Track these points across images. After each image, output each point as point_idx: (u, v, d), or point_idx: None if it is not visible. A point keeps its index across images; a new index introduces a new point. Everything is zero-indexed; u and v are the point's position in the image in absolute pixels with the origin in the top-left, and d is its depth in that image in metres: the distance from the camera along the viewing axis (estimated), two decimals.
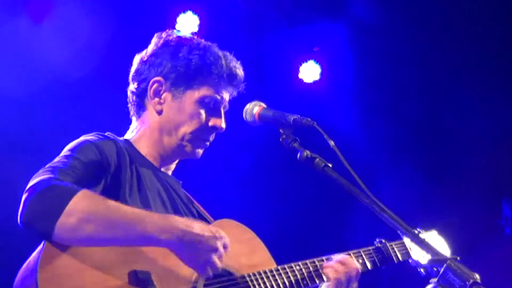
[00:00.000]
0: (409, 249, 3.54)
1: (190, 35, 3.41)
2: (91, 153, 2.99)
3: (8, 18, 5.89)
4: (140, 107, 3.32)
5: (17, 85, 5.76)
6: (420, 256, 3.48)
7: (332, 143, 2.91)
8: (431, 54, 7.28)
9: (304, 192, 7.13)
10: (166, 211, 3.14)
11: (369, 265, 3.39)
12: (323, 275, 3.22)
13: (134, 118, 3.36)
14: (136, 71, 3.34)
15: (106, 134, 3.19)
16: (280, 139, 3.09)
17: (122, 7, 6.32)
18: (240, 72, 3.36)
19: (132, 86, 3.34)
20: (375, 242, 3.50)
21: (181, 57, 3.27)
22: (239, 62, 3.40)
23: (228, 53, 3.38)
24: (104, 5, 6.15)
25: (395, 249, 3.51)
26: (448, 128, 7.30)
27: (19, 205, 2.77)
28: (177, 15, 6.63)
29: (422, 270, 3.45)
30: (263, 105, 3.23)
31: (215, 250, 2.85)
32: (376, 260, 3.45)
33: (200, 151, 3.32)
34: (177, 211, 3.19)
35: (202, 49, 3.30)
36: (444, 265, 2.48)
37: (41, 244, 2.75)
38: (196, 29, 6.64)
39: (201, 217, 3.33)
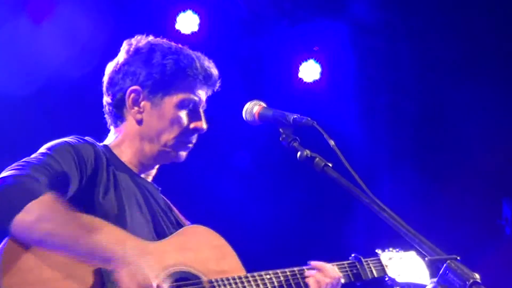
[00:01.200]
0: (385, 266, 3.52)
1: (159, 40, 3.35)
2: (67, 154, 3.00)
3: (9, 19, 5.89)
4: (118, 117, 3.30)
5: (16, 85, 5.76)
6: (396, 274, 3.48)
7: (332, 142, 2.91)
8: (431, 54, 7.28)
9: (304, 192, 7.12)
10: (142, 214, 3.15)
11: (342, 279, 3.36)
12: (302, 285, 3.20)
13: (112, 128, 3.34)
14: (110, 81, 3.31)
15: (85, 138, 3.18)
16: (280, 139, 3.09)
17: (122, 7, 6.32)
18: (214, 71, 3.34)
19: (108, 97, 3.31)
20: (350, 258, 3.48)
21: (155, 64, 3.24)
22: (211, 61, 3.36)
23: (200, 54, 3.34)
24: (104, 5, 6.14)
25: (370, 265, 3.49)
26: (448, 128, 7.30)
27: None
28: (177, 14, 6.63)
29: None
30: (263, 104, 3.23)
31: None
32: (350, 275, 3.42)
33: (183, 154, 3.31)
34: (154, 216, 3.19)
35: (175, 53, 3.27)
36: (444, 265, 2.48)
37: (3, 242, 2.76)
38: (196, 29, 6.64)
39: (179, 224, 3.32)
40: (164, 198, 3.39)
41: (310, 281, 3.22)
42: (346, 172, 2.83)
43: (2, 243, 2.76)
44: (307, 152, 2.98)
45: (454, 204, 6.94)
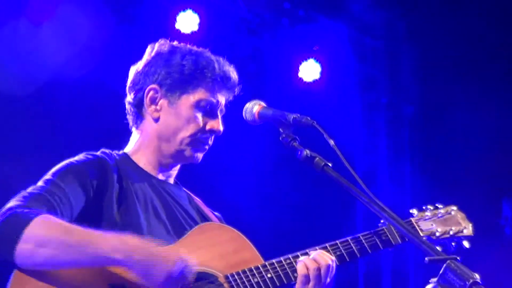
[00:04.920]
0: (416, 226, 3.40)
1: (182, 44, 3.41)
2: (71, 176, 3.04)
3: (9, 19, 5.89)
4: (138, 117, 3.35)
5: (16, 85, 5.76)
6: (431, 232, 3.41)
7: (332, 142, 2.90)
8: (431, 54, 7.28)
9: (303, 192, 7.12)
10: (159, 219, 3.17)
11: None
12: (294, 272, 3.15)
13: (133, 129, 3.39)
14: (132, 82, 3.38)
15: (98, 152, 3.23)
16: (280, 138, 3.09)
17: (122, 7, 6.33)
18: (233, 75, 3.36)
19: (129, 97, 3.37)
20: (379, 224, 3.36)
21: (175, 63, 3.29)
22: (232, 66, 3.39)
23: (221, 58, 3.38)
24: (103, 5, 6.15)
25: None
26: (448, 128, 7.30)
27: None
28: (177, 14, 6.63)
29: None
30: (263, 104, 3.23)
31: (174, 271, 2.83)
32: (378, 242, 3.31)
33: (199, 155, 3.34)
34: (173, 219, 3.21)
35: (194, 54, 3.32)
36: (444, 265, 2.47)
37: (12, 276, 2.84)
38: (196, 28, 6.64)
39: (203, 218, 3.35)
40: (190, 194, 3.43)
41: (298, 267, 3.13)
42: (346, 172, 2.83)
43: (11, 277, 2.84)
44: (307, 151, 2.97)
45: (454, 204, 6.94)
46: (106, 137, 5.83)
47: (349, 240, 3.26)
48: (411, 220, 3.44)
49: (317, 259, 3.11)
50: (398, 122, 7.66)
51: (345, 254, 3.21)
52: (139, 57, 3.43)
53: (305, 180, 6.61)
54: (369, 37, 7.51)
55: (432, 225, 3.45)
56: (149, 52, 3.38)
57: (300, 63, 7.27)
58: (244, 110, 3.25)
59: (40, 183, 3.02)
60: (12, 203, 2.89)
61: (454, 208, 3.59)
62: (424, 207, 3.53)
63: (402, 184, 7.57)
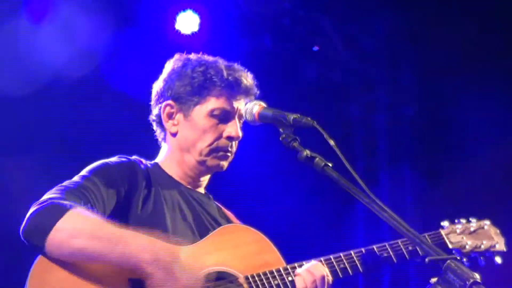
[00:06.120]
0: (445, 238, 3.44)
1: (198, 55, 3.47)
2: (105, 174, 3.14)
3: (8, 18, 5.89)
4: (162, 132, 3.46)
5: (15, 85, 5.76)
6: (461, 244, 3.41)
7: (332, 142, 2.91)
8: (432, 54, 7.28)
9: (304, 192, 7.11)
10: (185, 222, 3.24)
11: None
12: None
13: (162, 143, 3.48)
14: (153, 99, 3.48)
15: (130, 157, 3.33)
16: (280, 138, 3.10)
17: (122, 6, 6.32)
18: (246, 80, 3.40)
19: (152, 115, 3.48)
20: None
21: (186, 77, 3.36)
22: (245, 70, 3.45)
23: (235, 64, 3.44)
24: (103, 4, 6.14)
25: (428, 239, 3.37)
26: (449, 129, 7.30)
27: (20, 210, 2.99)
28: (177, 14, 6.60)
29: None
30: (263, 104, 3.25)
31: (195, 281, 2.91)
32: (405, 252, 3.30)
33: (223, 163, 3.40)
34: (200, 223, 3.27)
35: (204, 65, 3.38)
36: (444, 265, 2.48)
37: (36, 260, 2.92)
38: (196, 28, 6.61)
39: None
40: (218, 205, 3.49)
41: (296, 279, 3.19)
42: (346, 172, 2.83)
43: (35, 262, 2.91)
44: (307, 152, 2.98)
45: (454, 203, 6.94)
46: (107, 137, 5.87)
47: (361, 251, 3.34)
48: (440, 232, 3.45)
49: (313, 271, 3.17)
50: (398, 123, 7.66)
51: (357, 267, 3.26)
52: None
53: (305, 181, 6.61)
54: (369, 37, 7.51)
55: (462, 238, 3.46)
56: (166, 68, 3.46)
57: (299, 63, 7.27)
58: (244, 110, 3.28)
59: (76, 178, 3.12)
60: (49, 194, 2.98)
61: (487, 222, 3.58)
62: (456, 220, 3.53)
63: (402, 185, 7.56)
